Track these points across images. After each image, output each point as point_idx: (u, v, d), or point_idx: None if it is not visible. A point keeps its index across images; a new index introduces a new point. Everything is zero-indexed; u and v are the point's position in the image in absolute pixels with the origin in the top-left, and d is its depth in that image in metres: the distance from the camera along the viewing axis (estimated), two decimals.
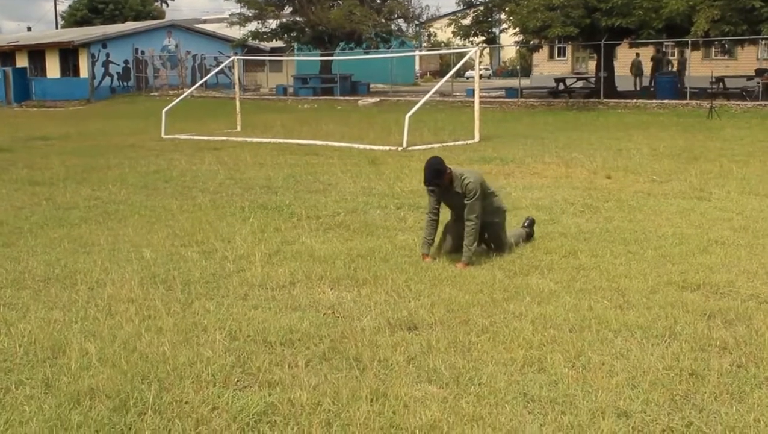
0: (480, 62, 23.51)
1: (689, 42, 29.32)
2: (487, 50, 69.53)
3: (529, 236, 8.12)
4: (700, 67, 34.80)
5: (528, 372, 4.63)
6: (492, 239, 7.63)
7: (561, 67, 47.27)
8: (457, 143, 18.29)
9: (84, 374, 4.62)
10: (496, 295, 6.12)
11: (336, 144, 18.10)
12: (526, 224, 8.24)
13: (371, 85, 43.48)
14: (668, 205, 9.98)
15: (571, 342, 5.05)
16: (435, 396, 4.28)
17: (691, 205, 9.97)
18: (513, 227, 8.10)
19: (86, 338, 5.20)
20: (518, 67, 48.39)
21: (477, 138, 18.86)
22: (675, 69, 35.15)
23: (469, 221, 7.21)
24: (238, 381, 4.56)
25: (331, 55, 39.48)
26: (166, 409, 4.16)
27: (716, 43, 33.72)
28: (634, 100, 29.38)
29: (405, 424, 3.94)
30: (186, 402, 4.24)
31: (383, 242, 7.99)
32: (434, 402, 4.20)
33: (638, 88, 35.53)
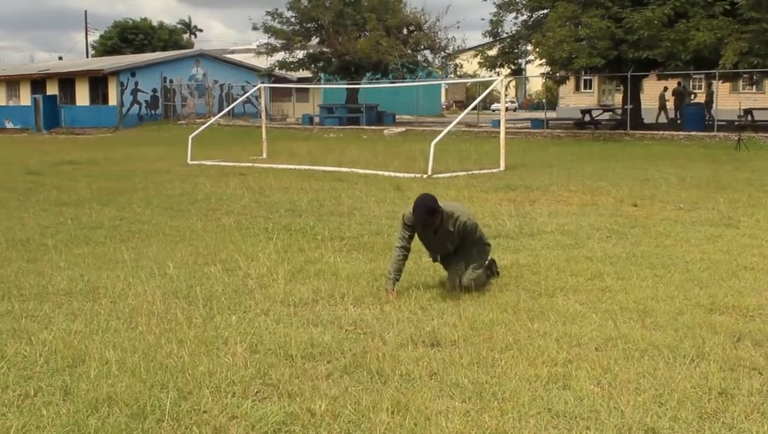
0: (506, 95, 23.51)
1: (717, 74, 29.18)
2: (513, 83, 69.68)
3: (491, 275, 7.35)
4: (727, 100, 34.64)
5: (552, 388, 4.54)
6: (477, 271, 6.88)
7: (587, 99, 47.23)
8: (482, 171, 18.24)
9: (103, 382, 4.58)
10: (520, 314, 6.03)
11: (361, 171, 18.11)
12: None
13: (397, 117, 43.61)
14: (696, 232, 9.85)
15: (596, 359, 4.95)
16: (457, 410, 4.20)
17: (719, 232, 9.83)
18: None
19: (106, 348, 5.17)
20: (544, 100, 48.38)
21: (502, 167, 18.81)
22: (702, 101, 34.96)
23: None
24: (257, 392, 4.50)
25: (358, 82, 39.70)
26: (183, 417, 4.12)
27: (744, 75, 33.53)
28: (661, 132, 29.25)
29: None
30: (204, 411, 4.19)
31: (407, 262, 7.92)
32: (456, 415, 4.12)
33: (659, 120, 35.33)
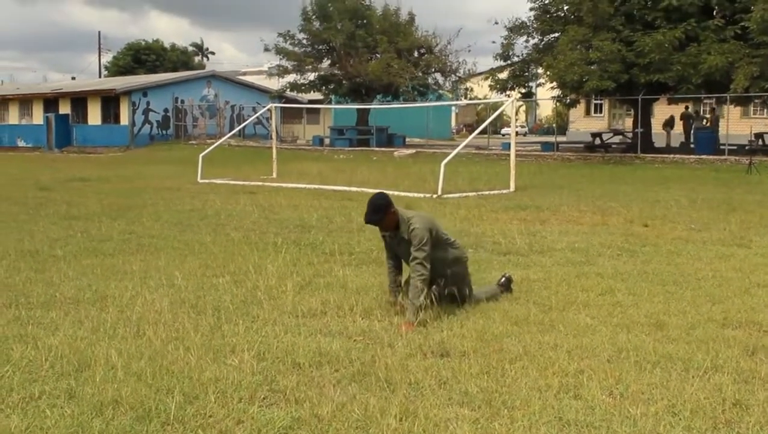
0: (516, 119, 23.48)
1: (728, 98, 29.14)
2: (523, 108, 69.76)
3: (504, 291, 7.16)
4: (738, 125, 34.57)
5: (563, 398, 4.47)
6: (455, 291, 6.56)
7: (597, 123, 47.22)
8: (492, 192, 18.19)
9: (108, 386, 4.54)
10: (530, 327, 5.98)
11: (371, 191, 18.02)
12: (502, 281, 7.24)
13: (407, 139, 43.66)
14: (707, 251, 9.77)
15: (608, 370, 4.89)
16: (466, 418, 4.14)
17: (731, 251, 9.76)
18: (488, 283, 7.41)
19: (112, 353, 5.12)
20: (554, 124, 48.40)
21: (512, 188, 18.76)
22: (708, 125, 34.92)
23: (415, 273, 6.22)
24: (264, 397, 4.45)
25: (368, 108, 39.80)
26: (189, 420, 4.07)
27: (755, 100, 33.49)
28: (672, 156, 29.18)
29: None
30: (210, 415, 4.14)
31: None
32: (465, 422, 4.06)
33: (668, 145, 35.30)
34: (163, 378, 4.67)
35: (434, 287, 6.40)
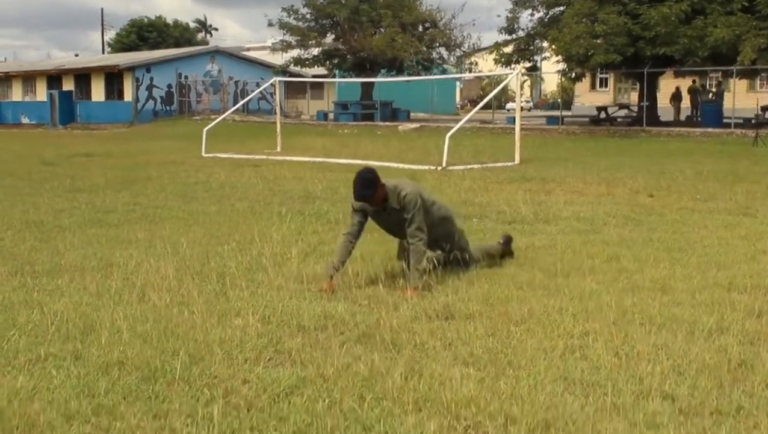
0: (521, 94, 23.36)
1: (734, 71, 28.97)
2: (528, 83, 69.48)
3: (506, 254, 7.18)
4: (745, 99, 34.34)
5: (569, 358, 4.47)
6: (454, 249, 6.59)
7: (603, 97, 47.01)
8: (496, 164, 18.14)
9: (114, 348, 4.55)
10: (536, 292, 5.97)
11: (376, 163, 17.98)
12: (501, 241, 7.28)
13: (412, 114, 43.53)
14: (713, 220, 9.74)
15: (613, 332, 4.88)
16: (472, 377, 4.14)
17: (737, 220, 9.73)
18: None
19: (118, 317, 5.13)
20: (559, 99, 48.20)
21: (517, 160, 18.70)
22: (713, 98, 34.77)
23: (414, 238, 6.19)
24: (270, 359, 4.46)
25: (372, 82, 39.63)
26: (194, 380, 4.08)
27: (762, 73, 33.30)
28: (677, 129, 29.07)
29: (440, 398, 3.81)
30: (215, 376, 4.14)
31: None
32: (471, 381, 4.06)
33: (676, 119, 35.15)
34: (168, 340, 4.67)
35: (438, 252, 6.39)
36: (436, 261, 6.26)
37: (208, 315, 5.21)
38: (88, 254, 7.49)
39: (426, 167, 16.94)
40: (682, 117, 34.75)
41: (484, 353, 4.53)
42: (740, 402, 3.83)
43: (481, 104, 24.04)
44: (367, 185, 6.18)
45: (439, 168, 16.91)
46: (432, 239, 6.37)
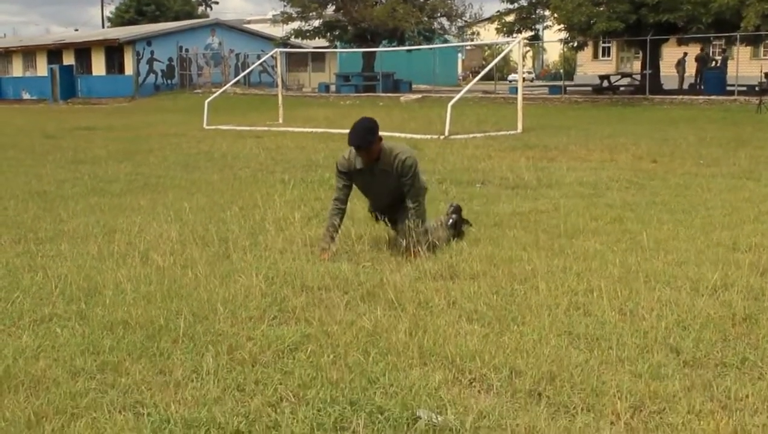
0: (523, 65, 23.22)
1: (738, 38, 28.77)
2: (530, 53, 69.06)
3: (455, 227, 6.61)
4: (748, 66, 34.14)
5: (573, 314, 4.47)
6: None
7: (605, 67, 46.74)
8: (499, 133, 18.08)
9: (118, 308, 4.56)
10: (540, 252, 5.95)
11: (379, 133, 17.95)
12: (450, 210, 6.77)
13: (413, 85, 43.35)
14: (717, 183, 9.71)
15: (618, 289, 4.87)
16: (476, 332, 4.14)
17: (740, 184, 9.70)
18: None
19: (122, 279, 5.13)
20: (561, 70, 47.91)
21: (520, 129, 18.63)
22: (716, 66, 34.53)
23: (415, 203, 6.01)
24: (274, 317, 4.47)
25: (374, 53, 39.42)
26: (199, 337, 4.09)
27: (766, 40, 33.07)
28: (680, 97, 28.93)
29: (444, 352, 3.81)
30: (220, 333, 4.15)
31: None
32: (475, 336, 4.06)
33: (680, 86, 34.95)
34: (172, 300, 4.68)
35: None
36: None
37: (212, 276, 5.21)
38: (91, 221, 7.48)
39: (428, 137, 16.89)
40: (685, 86, 34.54)
41: (488, 310, 4.53)
42: (745, 354, 3.83)
43: (483, 72, 23.97)
44: (368, 132, 5.85)
45: (442, 137, 16.86)
46: (403, 210, 6.13)
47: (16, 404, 3.33)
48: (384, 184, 6.09)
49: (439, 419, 3.09)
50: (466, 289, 4.94)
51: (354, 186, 6.27)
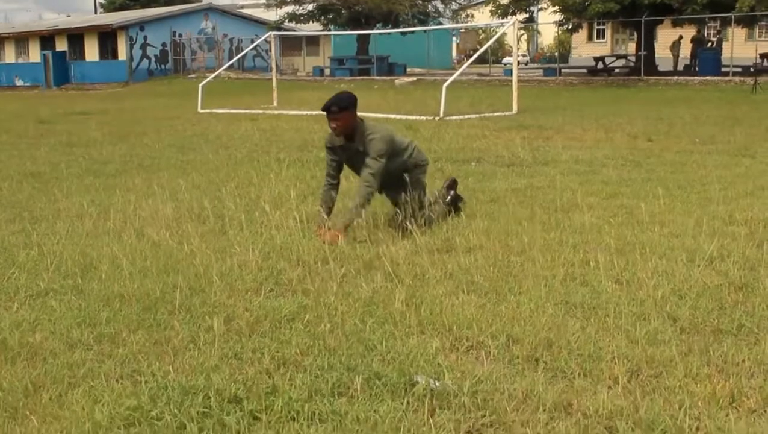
0: (517, 48, 23.13)
1: (733, 18, 28.71)
2: (524, 36, 68.91)
3: (454, 203, 6.63)
4: (743, 48, 34.07)
5: (570, 285, 4.48)
6: (416, 196, 6.07)
7: (600, 49, 46.60)
8: (494, 114, 18.05)
9: (114, 282, 4.55)
10: (535, 226, 5.95)
11: (372, 115, 17.92)
12: (446, 185, 6.75)
13: (408, 68, 43.23)
14: (712, 160, 9.71)
15: (614, 261, 4.87)
16: (473, 303, 4.14)
17: (735, 161, 9.70)
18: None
19: (117, 255, 5.12)
20: (556, 53, 47.80)
21: (515, 110, 18.60)
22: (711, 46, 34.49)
23: (365, 183, 5.85)
24: (271, 290, 4.46)
25: (368, 36, 39.30)
26: (195, 309, 4.08)
27: (761, 21, 33.01)
28: (675, 77, 28.90)
29: (442, 321, 3.82)
30: (216, 305, 4.14)
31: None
32: (472, 306, 4.06)
33: (675, 68, 34.92)
34: (168, 274, 4.67)
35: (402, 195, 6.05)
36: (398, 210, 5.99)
37: (208, 251, 5.20)
38: (86, 200, 7.45)
39: (423, 118, 16.85)
40: (680, 67, 34.51)
41: (485, 281, 4.53)
42: (741, 321, 3.84)
43: (478, 53, 23.89)
44: (342, 100, 5.86)
45: (437, 118, 16.82)
46: (401, 181, 6.05)
47: (14, 374, 3.32)
48: (361, 163, 6.01)
49: (437, 384, 3.09)
50: (463, 261, 4.94)
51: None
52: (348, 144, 6.02)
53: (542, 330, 3.70)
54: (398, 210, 6.01)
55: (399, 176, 6.11)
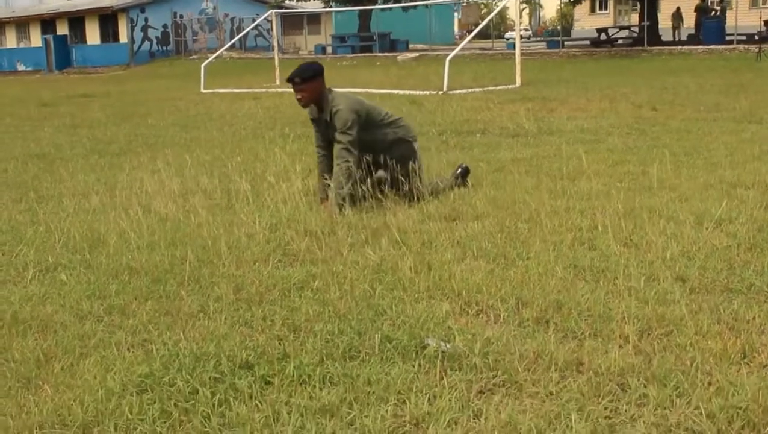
0: (519, 22, 23.01)
1: None
2: (526, 11, 68.60)
3: (462, 176, 6.45)
4: (747, 16, 33.91)
5: (578, 249, 4.47)
6: (401, 173, 5.92)
7: (603, 20, 46.41)
8: (497, 87, 17.97)
9: (122, 256, 4.55)
10: (542, 194, 5.93)
11: (375, 91, 17.87)
12: (458, 172, 6.47)
13: (410, 45, 43.04)
14: (718, 127, 9.67)
15: (622, 225, 4.85)
16: (481, 268, 4.14)
17: (741, 127, 9.65)
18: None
19: (125, 229, 5.12)
20: (558, 27, 47.61)
21: (518, 83, 18.52)
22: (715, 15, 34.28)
23: (339, 159, 5.63)
24: (279, 260, 4.46)
25: (370, 11, 39.07)
26: (204, 280, 4.09)
27: None
28: (679, 47, 28.74)
29: (451, 286, 3.82)
30: (225, 276, 4.15)
31: (428, 156, 7.80)
32: (480, 272, 4.06)
33: (679, 38, 34.72)
34: (177, 247, 4.67)
35: (381, 172, 5.98)
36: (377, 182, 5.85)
37: (216, 226, 5.20)
38: (91, 179, 7.47)
39: (426, 92, 16.78)
40: (684, 37, 34.32)
41: (493, 247, 4.53)
42: (751, 281, 3.84)
43: (481, 25, 23.76)
44: (305, 71, 5.66)
45: (440, 92, 16.75)
46: (381, 158, 5.91)
47: (25, 346, 3.33)
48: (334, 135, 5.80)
49: (448, 346, 3.09)
50: (470, 229, 4.93)
51: None
52: (320, 115, 5.86)
53: (551, 293, 3.70)
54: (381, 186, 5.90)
55: (382, 150, 5.92)
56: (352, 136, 5.66)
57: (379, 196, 5.78)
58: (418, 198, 5.85)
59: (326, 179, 5.87)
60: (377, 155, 5.89)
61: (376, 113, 5.95)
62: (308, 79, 5.66)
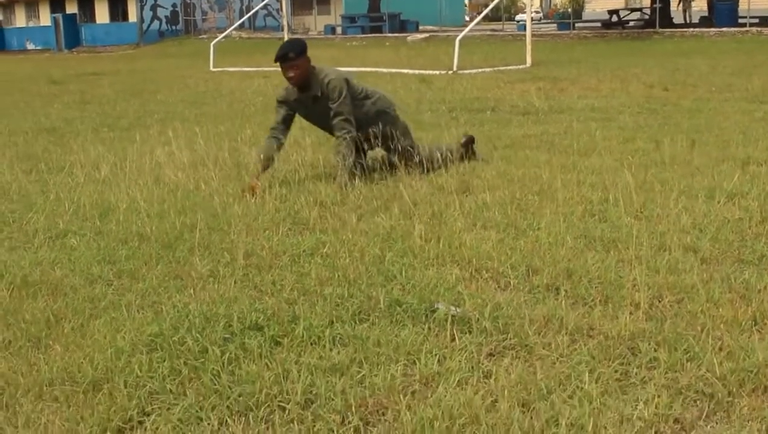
0: (531, 3, 22.89)
1: None
2: None
3: (468, 155, 6.36)
4: None
5: (589, 221, 4.46)
6: (399, 144, 5.91)
7: (614, 2, 46.07)
8: (508, 67, 17.90)
9: (133, 224, 4.56)
10: (553, 169, 5.89)
11: (385, 70, 17.82)
12: (463, 141, 6.42)
13: (420, 26, 42.86)
14: (730, 106, 9.60)
15: (633, 199, 4.82)
16: (491, 238, 4.13)
17: (754, 107, 9.57)
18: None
19: (135, 197, 5.13)
20: (569, 9, 47.35)
21: (529, 63, 18.44)
22: None
23: (342, 131, 5.59)
24: (289, 229, 4.46)
25: None
26: (215, 246, 4.09)
27: None
28: (691, 29, 28.54)
29: (460, 254, 3.81)
30: (235, 243, 4.14)
31: (437, 133, 7.80)
32: (490, 241, 4.04)
33: (690, 21, 34.49)
34: (187, 215, 4.67)
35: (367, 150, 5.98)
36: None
37: (225, 196, 5.20)
38: (102, 152, 7.44)
39: (437, 72, 16.73)
40: (695, 19, 34.09)
41: (504, 218, 4.51)
42: (763, 252, 3.81)
43: (491, 5, 23.62)
44: (296, 45, 5.56)
45: (450, 72, 16.69)
46: (366, 133, 5.84)
47: (35, 307, 3.34)
48: (323, 112, 5.72)
49: (458, 310, 3.08)
50: (480, 201, 4.92)
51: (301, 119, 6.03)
52: (303, 95, 5.71)
53: (562, 261, 3.69)
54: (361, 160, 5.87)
55: (367, 124, 5.85)
56: (348, 106, 5.63)
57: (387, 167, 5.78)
58: (420, 163, 5.83)
59: (267, 161, 5.74)
60: (363, 130, 5.82)
61: (358, 87, 5.88)
62: (300, 54, 5.55)
